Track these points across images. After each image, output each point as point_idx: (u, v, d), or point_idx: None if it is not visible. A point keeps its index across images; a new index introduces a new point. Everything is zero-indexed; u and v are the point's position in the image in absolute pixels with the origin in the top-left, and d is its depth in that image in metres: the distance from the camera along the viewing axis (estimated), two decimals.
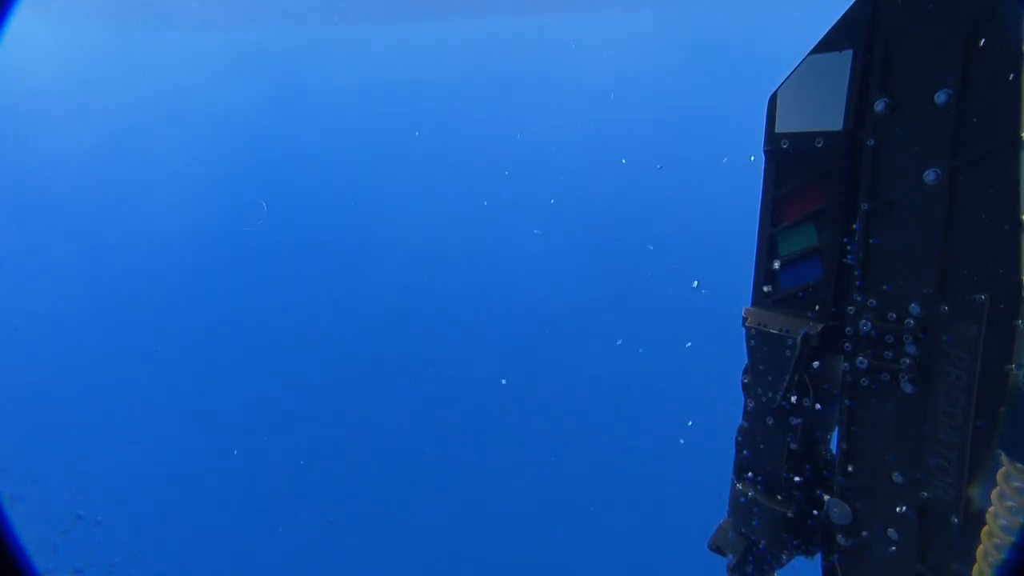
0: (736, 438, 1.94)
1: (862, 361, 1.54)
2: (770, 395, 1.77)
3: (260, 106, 28.24)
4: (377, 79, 25.66)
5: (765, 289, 1.81)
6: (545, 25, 23.85)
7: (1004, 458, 1.36)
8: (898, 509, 1.54)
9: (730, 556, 1.98)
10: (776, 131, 1.73)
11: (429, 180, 31.98)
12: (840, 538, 1.67)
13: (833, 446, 1.76)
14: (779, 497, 1.83)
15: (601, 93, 25.19)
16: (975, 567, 1.39)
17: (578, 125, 29.11)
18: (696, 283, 25.76)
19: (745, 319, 1.83)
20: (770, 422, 1.81)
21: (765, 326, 1.76)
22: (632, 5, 19.29)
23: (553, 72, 25.58)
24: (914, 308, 1.45)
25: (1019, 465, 1.32)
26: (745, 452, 1.91)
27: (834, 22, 1.58)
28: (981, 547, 1.37)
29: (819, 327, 1.67)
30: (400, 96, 28.05)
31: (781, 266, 1.77)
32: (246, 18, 19.56)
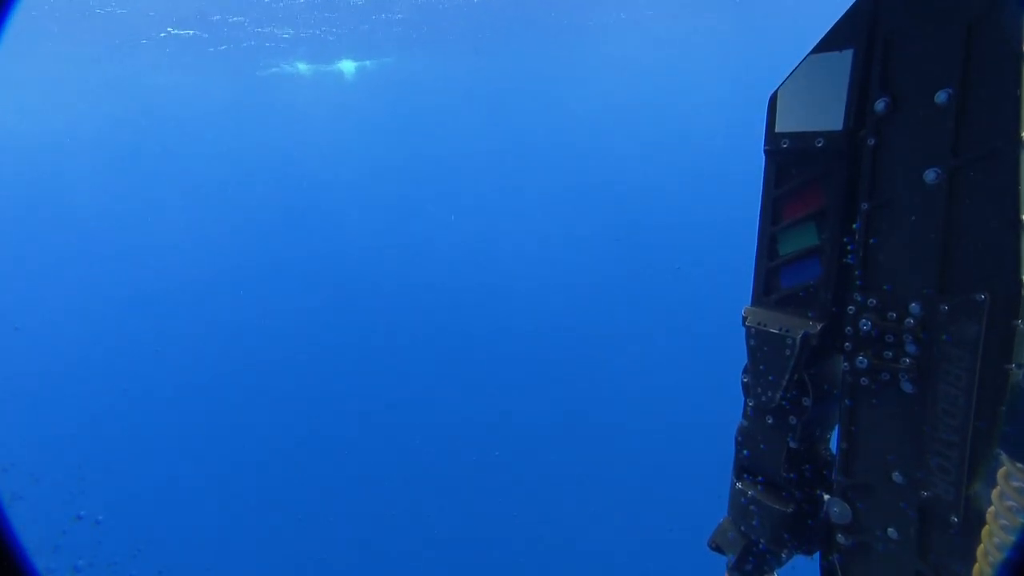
0: (736, 438, 1.94)
1: (862, 361, 1.54)
2: (770, 394, 1.77)
3: (258, 113, 28.28)
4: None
5: (765, 288, 1.82)
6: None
7: (1005, 458, 1.36)
8: (898, 508, 1.54)
9: (730, 555, 1.98)
10: (776, 131, 1.73)
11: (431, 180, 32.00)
12: (840, 537, 1.67)
13: (833, 446, 1.76)
14: (779, 496, 1.83)
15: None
16: (975, 567, 1.39)
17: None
18: (678, 267, 25.91)
19: (745, 318, 1.83)
20: (770, 421, 1.82)
21: (765, 325, 1.77)
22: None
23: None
24: (914, 308, 1.45)
25: (1019, 465, 1.32)
26: (745, 451, 1.92)
27: (835, 21, 1.58)
28: (981, 547, 1.37)
29: (819, 327, 1.67)
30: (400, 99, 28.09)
31: (781, 265, 1.78)
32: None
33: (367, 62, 21.30)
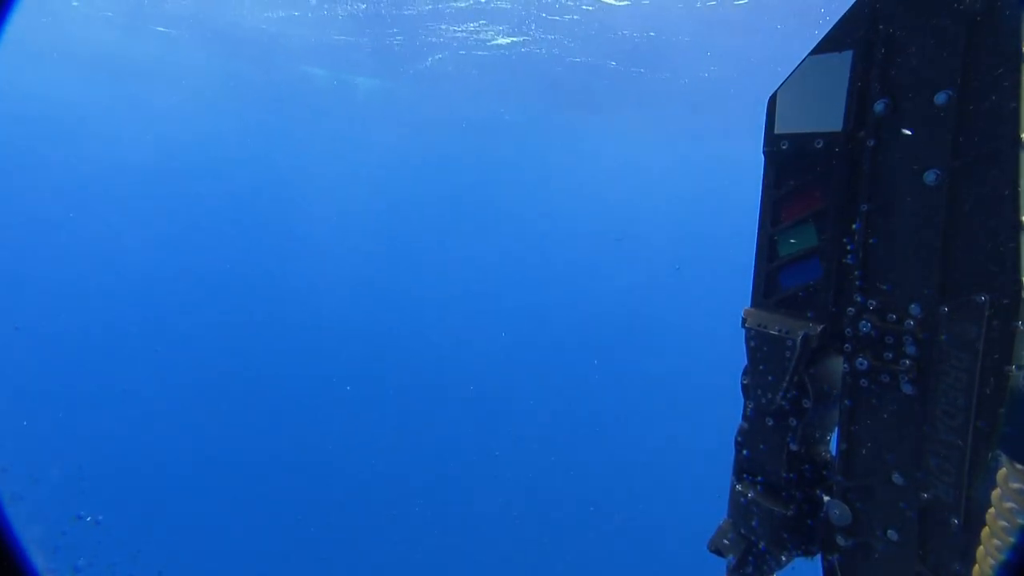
0: (736, 439, 1.93)
1: (862, 362, 1.54)
2: (770, 396, 1.76)
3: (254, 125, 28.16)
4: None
5: (764, 290, 1.81)
6: None
7: (1005, 459, 1.36)
8: (898, 510, 1.53)
9: (730, 557, 1.98)
10: (775, 132, 1.72)
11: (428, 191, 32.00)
12: (839, 539, 1.67)
13: (833, 447, 1.75)
14: (778, 498, 1.83)
15: None
16: (975, 568, 1.38)
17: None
18: (678, 267, 25.91)
19: (744, 320, 1.83)
20: (770, 423, 1.81)
21: (764, 327, 1.76)
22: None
23: None
24: (914, 309, 1.45)
25: (1019, 466, 1.32)
26: (745, 453, 1.91)
27: (835, 22, 1.58)
28: (981, 548, 1.37)
29: (819, 328, 1.66)
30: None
31: (781, 267, 1.77)
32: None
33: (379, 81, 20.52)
